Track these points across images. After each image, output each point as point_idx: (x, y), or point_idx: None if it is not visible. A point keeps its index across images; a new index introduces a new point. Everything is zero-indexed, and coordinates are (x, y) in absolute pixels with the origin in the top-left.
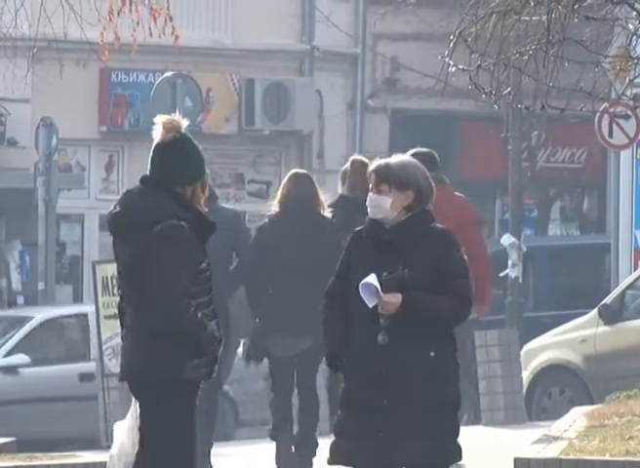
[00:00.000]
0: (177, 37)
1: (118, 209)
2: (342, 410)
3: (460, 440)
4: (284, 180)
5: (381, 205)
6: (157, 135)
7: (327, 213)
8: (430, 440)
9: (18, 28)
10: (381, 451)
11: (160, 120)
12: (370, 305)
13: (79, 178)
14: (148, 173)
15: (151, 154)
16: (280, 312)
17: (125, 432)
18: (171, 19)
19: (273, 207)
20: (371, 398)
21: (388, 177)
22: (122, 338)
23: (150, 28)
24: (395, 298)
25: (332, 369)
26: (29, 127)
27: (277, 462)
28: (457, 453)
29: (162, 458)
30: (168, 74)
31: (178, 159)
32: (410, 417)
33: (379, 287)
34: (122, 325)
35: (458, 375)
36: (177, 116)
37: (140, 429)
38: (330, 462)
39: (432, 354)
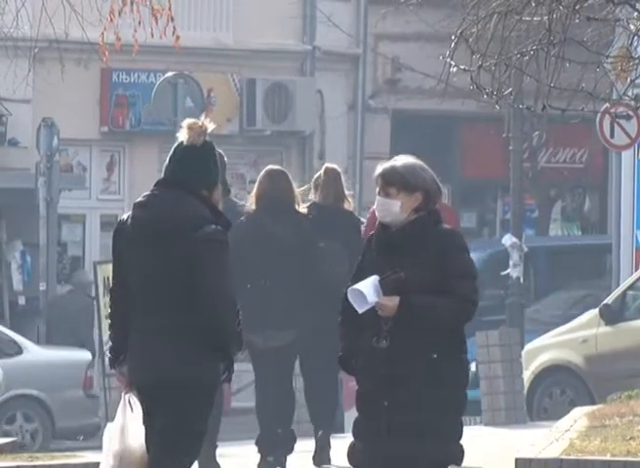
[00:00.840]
0: (177, 37)
1: (154, 213)
2: (357, 412)
3: (462, 442)
4: (259, 177)
5: (390, 209)
6: (185, 137)
7: (302, 208)
8: (430, 440)
9: (19, 29)
10: (385, 453)
11: (188, 123)
12: (359, 311)
13: (80, 179)
14: (170, 175)
15: (178, 157)
16: (260, 306)
17: (116, 441)
18: (172, 19)
19: (249, 203)
20: (374, 399)
21: (396, 180)
22: (135, 340)
23: (152, 29)
24: (392, 301)
25: (344, 371)
26: (30, 127)
27: None
28: (458, 455)
29: (183, 455)
30: (169, 74)
31: (207, 162)
32: (410, 419)
33: (369, 292)
34: (121, 327)
35: (463, 377)
36: (204, 119)
37: (154, 431)
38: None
39: (435, 356)
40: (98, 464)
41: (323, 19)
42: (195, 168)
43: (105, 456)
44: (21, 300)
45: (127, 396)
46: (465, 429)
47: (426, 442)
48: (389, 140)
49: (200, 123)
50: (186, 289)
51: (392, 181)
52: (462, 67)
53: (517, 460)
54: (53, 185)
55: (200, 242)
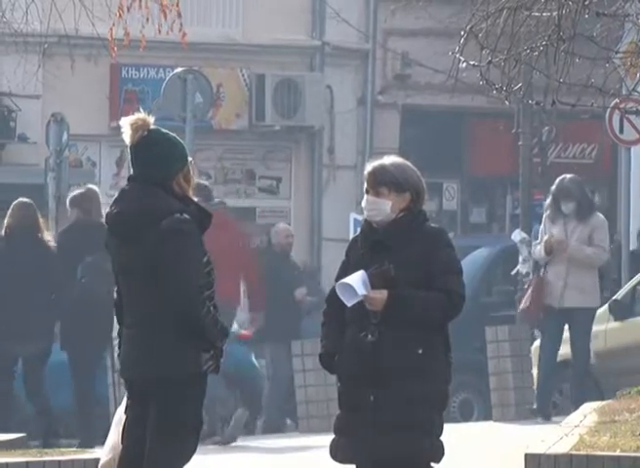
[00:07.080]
0: (184, 34)
1: (121, 209)
2: (339, 409)
3: (442, 439)
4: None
5: (381, 208)
6: (126, 137)
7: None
8: (415, 436)
9: (29, 24)
10: (372, 447)
11: (126, 121)
12: (348, 304)
13: (90, 174)
14: (133, 171)
15: (131, 155)
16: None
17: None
18: (179, 15)
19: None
20: (359, 395)
21: (387, 180)
22: (122, 335)
23: (160, 24)
24: (381, 294)
25: (326, 369)
26: (40, 123)
27: None
28: (440, 451)
29: (175, 449)
30: (178, 70)
31: (157, 154)
32: (395, 413)
33: (358, 285)
34: (120, 322)
35: (446, 374)
36: (142, 114)
37: (146, 425)
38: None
39: (420, 352)
40: None
41: (332, 15)
42: (150, 161)
43: (105, 447)
44: None
45: None
46: (474, 424)
47: (411, 437)
48: (399, 136)
49: (135, 119)
50: (157, 282)
51: (383, 181)
52: (472, 63)
53: (527, 456)
54: (62, 181)
55: (162, 234)
